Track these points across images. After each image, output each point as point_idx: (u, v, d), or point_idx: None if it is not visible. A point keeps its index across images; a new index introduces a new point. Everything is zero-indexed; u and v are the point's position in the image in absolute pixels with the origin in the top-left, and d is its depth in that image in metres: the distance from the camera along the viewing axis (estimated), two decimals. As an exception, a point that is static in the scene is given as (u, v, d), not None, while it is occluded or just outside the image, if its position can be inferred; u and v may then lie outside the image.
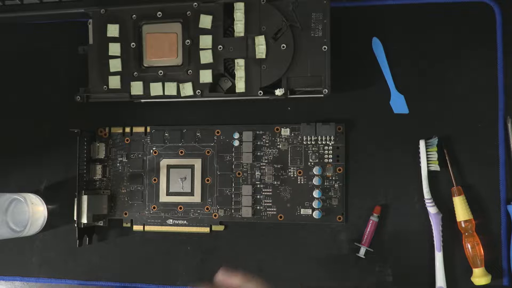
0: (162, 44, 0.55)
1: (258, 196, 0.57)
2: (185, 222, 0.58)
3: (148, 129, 0.59)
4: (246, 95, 0.54)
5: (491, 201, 0.54)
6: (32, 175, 0.61)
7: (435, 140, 0.53)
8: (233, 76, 0.55)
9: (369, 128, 0.56)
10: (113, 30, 0.56)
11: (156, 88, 0.56)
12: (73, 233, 0.57)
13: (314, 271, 0.56)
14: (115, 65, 0.56)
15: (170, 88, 0.55)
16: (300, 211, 0.56)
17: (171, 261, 0.58)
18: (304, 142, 0.56)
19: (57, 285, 0.60)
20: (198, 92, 0.55)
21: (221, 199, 0.57)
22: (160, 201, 0.58)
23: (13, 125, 0.62)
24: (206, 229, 0.57)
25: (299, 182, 0.56)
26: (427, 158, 0.53)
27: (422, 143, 0.54)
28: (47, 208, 0.60)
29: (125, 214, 0.59)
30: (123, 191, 0.59)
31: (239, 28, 0.54)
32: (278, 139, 0.57)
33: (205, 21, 0.54)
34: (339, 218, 0.55)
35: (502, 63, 0.54)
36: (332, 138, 0.56)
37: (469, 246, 0.52)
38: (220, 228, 0.57)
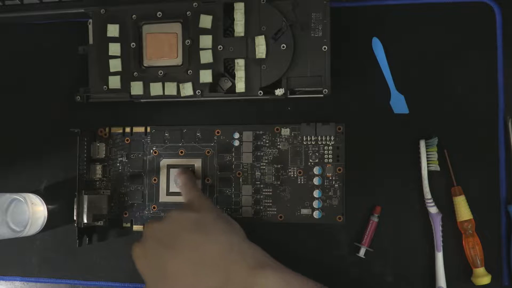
0: (162, 44, 0.55)
1: (258, 196, 0.57)
2: (185, 222, 0.58)
3: (148, 129, 0.59)
4: (246, 95, 0.54)
5: (491, 201, 0.54)
6: (32, 175, 0.61)
7: (435, 140, 0.53)
8: (233, 76, 0.55)
9: (369, 128, 0.56)
10: (113, 30, 0.56)
11: (156, 88, 0.56)
12: (73, 233, 0.57)
13: (314, 271, 0.56)
14: (115, 65, 0.56)
15: (170, 88, 0.55)
16: (300, 211, 0.56)
17: (171, 261, 0.58)
18: (304, 142, 0.56)
19: (57, 285, 0.60)
20: (198, 92, 0.55)
21: (221, 199, 0.57)
22: (160, 201, 0.58)
23: (13, 125, 0.62)
24: (206, 229, 0.57)
25: (299, 182, 0.56)
26: (427, 158, 0.53)
27: (422, 143, 0.54)
28: (47, 208, 0.60)
29: (125, 214, 0.59)
30: (123, 191, 0.59)
31: (239, 28, 0.54)
32: (278, 139, 0.57)
33: (205, 21, 0.54)
34: (339, 218, 0.55)
35: (502, 63, 0.54)
36: (332, 138, 0.56)
37: (469, 246, 0.52)
38: (220, 228, 0.57)
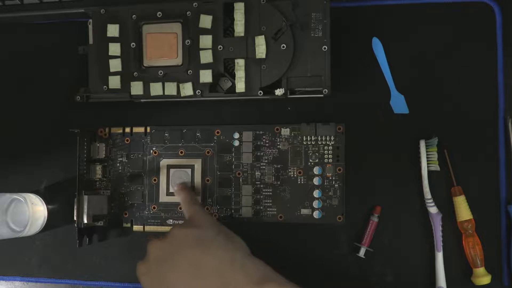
0: (162, 44, 0.55)
1: (258, 196, 0.57)
2: (185, 222, 0.58)
3: (148, 129, 0.59)
4: (246, 95, 0.54)
5: (491, 201, 0.54)
6: (32, 175, 0.61)
7: (435, 140, 0.53)
8: (233, 76, 0.55)
9: (369, 128, 0.56)
10: (113, 30, 0.56)
11: (156, 88, 0.56)
12: (73, 233, 0.57)
13: (314, 271, 0.56)
14: (115, 65, 0.56)
15: (170, 88, 0.55)
16: (300, 211, 0.56)
17: (171, 261, 0.58)
18: (304, 142, 0.56)
19: (57, 285, 0.60)
20: (198, 92, 0.55)
21: (221, 199, 0.57)
22: (160, 201, 0.58)
23: (13, 125, 0.62)
24: (206, 229, 0.57)
25: (299, 182, 0.56)
26: (427, 158, 0.53)
27: (422, 143, 0.54)
28: (47, 208, 0.60)
29: (125, 214, 0.59)
30: (123, 191, 0.59)
31: (239, 28, 0.54)
32: (278, 139, 0.57)
33: (205, 21, 0.54)
34: (339, 218, 0.55)
35: (502, 63, 0.54)
36: (332, 138, 0.56)
37: (469, 246, 0.52)
38: (220, 228, 0.57)
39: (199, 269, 0.47)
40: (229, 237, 0.50)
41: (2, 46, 0.63)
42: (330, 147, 0.56)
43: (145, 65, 0.56)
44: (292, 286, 0.46)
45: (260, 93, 0.54)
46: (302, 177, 0.56)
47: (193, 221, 0.51)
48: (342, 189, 0.56)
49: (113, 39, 0.56)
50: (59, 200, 0.61)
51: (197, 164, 0.58)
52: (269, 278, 0.46)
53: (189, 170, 0.58)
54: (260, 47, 0.53)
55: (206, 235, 0.49)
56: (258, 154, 0.57)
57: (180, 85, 0.55)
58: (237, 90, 0.54)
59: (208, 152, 0.58)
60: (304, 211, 0.56)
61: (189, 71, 0.55)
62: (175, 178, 0.58)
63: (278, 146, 0.57)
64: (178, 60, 0.55)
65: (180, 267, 0.48)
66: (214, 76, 0.55)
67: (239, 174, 0.57)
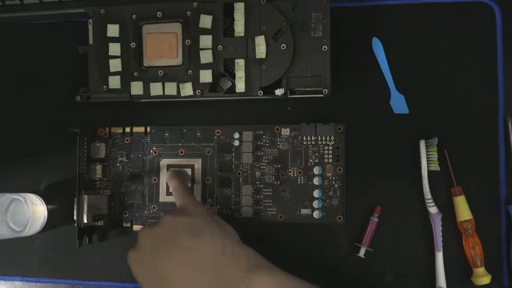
0: (162, 44, 0.55)
1: (258, 196, 0.57)
2: (185, 222, 0.58)
3: (148, 129, 0.59)
4: (246, 95, 0.54)
5: (491, 201, 0.54)
6: (32, 175, 0.61)
7: (435, 140, 0.53)
8: (233, 76, 0.55)
9: (369, 128, 0.56)
10: (113, 30, 0.56)
11: (156, 88, 0.56)
12: (73, 233, 0.57)
13: (314, 271, 0.56)
14: (115, 65, 0.56)
15: (170, 88, 0.55)
16: (300, 211, 0.56)
17: (171, 261, 0.58)
18: (304, 142, 0.56)
19: (57, 285, 0.60)
20: (198, 92, 0.55)
21: (221, 199, 0.57)
22: (160, 201, 0.58)
23: (13, 125, 0.62)
24: (206, 229, 0.57)
25: (299, 182, 0.56)
26: (427, 158, 0.53)
27: (422, 143, 0.54)
28: (47, 208, 0.60)
29: (125, 214, 0.59)
30: (123, 191, 0.59)
31: (239, 28, 0.54)
32: (278, 139, 0.57)
33: (205, 21, 0.54)
34: (339, 218, 0.55)
35: (502, 63, 0.54)
36: (332, 138, 0.56)
37: (469, 246, 0.52)
38: (220, 228, 0.57)
39: (192, 257, 0.47)
40: (220, 225, 0.50)
41: (2, 46, 0.63)
42: (330, 147, 0.56)
43: (145, 65, 0.56)
44: (282, 273, 0.46)
45: (260, 93, 0.54)
46: (302, 177, 0.56)
47: (185, 209, 0.51)
48: (342, 189, 0.56)
49: (113, 39, 0.56)
50: (59, 200, 0.61)
51: (197, 164, 0.58)
52: (261, 265, 0.47)
53: (189, 170, 0.58)
54: (260, 47, 0.53)
55: (198, 224, 0.49)
56: (258, 154, 0.57)
57: (180, 85, 0.55)
58: (237, 90, 0.54)
59: (208, 152, 0.58)
60: (304, 211, 0.56)
61: (189, 71, 0.55)
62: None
63: (278, 146, 0.57)
64: (178, 60, 0.55)
65: (174, 255, 0.47)
66: (214, 76, 0.55)
67: (239, 174, 0.57)
